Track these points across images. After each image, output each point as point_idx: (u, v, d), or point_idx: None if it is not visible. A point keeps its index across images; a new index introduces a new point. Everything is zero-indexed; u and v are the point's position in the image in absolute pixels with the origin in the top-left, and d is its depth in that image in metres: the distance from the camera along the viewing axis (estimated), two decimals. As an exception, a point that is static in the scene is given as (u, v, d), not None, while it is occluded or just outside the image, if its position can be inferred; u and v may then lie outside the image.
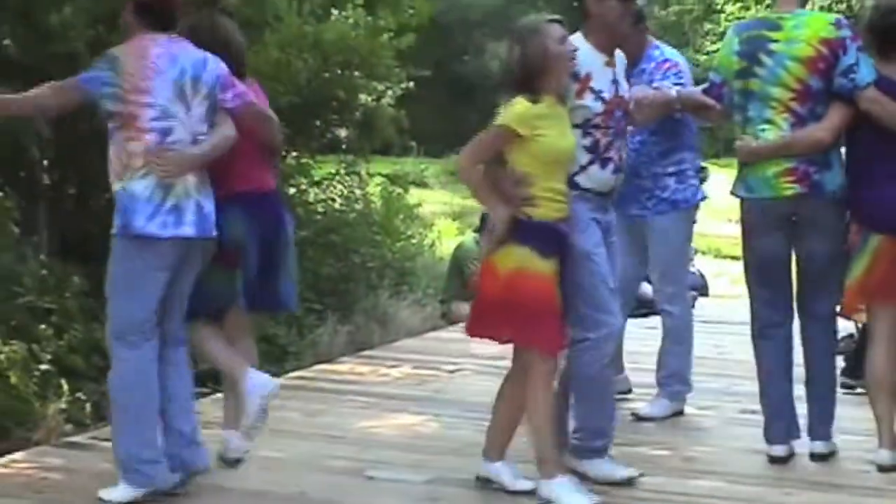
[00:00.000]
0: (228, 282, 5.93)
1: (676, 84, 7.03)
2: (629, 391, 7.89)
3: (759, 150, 6.28)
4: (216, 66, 5.72)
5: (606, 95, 5.85)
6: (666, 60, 7.27)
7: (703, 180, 7.43)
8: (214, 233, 5.67)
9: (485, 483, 5.84)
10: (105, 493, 5.53)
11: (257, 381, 5.76)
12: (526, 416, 5.66)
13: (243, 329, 6.19)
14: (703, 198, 7.54)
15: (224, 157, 5.73)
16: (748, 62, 6.31)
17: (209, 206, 5.65)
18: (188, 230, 5.54)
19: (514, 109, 5.48)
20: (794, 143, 6.22)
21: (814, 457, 6.46)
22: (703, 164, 7.53)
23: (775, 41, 6.23)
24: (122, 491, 5.50)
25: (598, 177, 5.79)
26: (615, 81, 5.92)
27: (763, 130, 6.28)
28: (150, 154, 5.46)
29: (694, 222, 7.84)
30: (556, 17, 5.66)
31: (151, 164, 5.45)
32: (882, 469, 6.24)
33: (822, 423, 6.50)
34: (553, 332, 5.53)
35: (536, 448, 5.65)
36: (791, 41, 6.22)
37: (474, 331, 5.72)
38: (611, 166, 5.88)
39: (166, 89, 5.52)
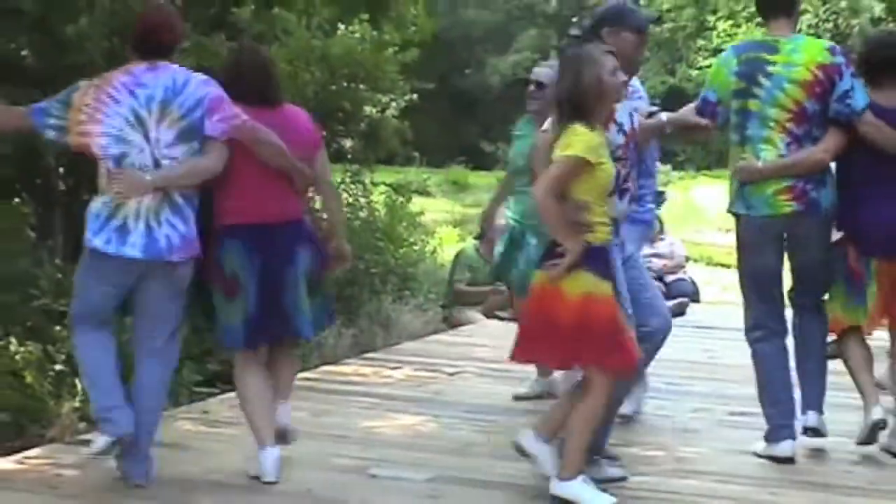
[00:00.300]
0: (235, 313, 5.90)
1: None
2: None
3: (763, 170, 6.31)
4: (199, 89, 5.71)
5: (626, 128, 5.82)
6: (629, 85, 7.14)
7: (659, 204, 7.38)
8: (172, 257, 5.66)
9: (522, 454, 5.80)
10: (87, 449, 5.86)
11: (264, 467, 5.82)
12: (578, 419, 5.56)
13: (283, 362, 6.19)
14: (660, 221, 7.54)
15: (224, 187, 5.79)
16: (747, 83, 6.35)
17: (169, 230, 5.64)
18: (130, 251, 5.59)
19: (583, 139, 5.38)
20: (796, 164, 6.29)
21: (806, 431, 6.51)
22: (661, 188, 7.47)
23: (773, 63, 6.29)
24: (100, 441, 5.67)
25: (616, 207, 5.72)
26: (630, 114, 5.90)
27: (762, 150, 6.32)
28: (110, 175, 5.60)
29: (649, 241, 7.85)
30: (610, 48, 5.65)
31: (110, 184, 5.60)
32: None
33: (814, 397, 6.58)
34: (629, 350, 5.52)
35: (570, 450, 5.59)
36: (789, 65, 6.28)
37: (531, 355, 5.75)
38: (627, 196, 5.85)
39: (119, 117, 5.61)
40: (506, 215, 7.95)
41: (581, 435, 5.58)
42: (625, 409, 7.19)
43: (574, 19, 48.68)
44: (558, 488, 5.60)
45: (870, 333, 6.81)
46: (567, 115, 5.46)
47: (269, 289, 5.83)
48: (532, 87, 7.62)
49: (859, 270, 6.47)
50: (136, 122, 5.60)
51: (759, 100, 6.32)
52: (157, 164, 5.61)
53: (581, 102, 5.42)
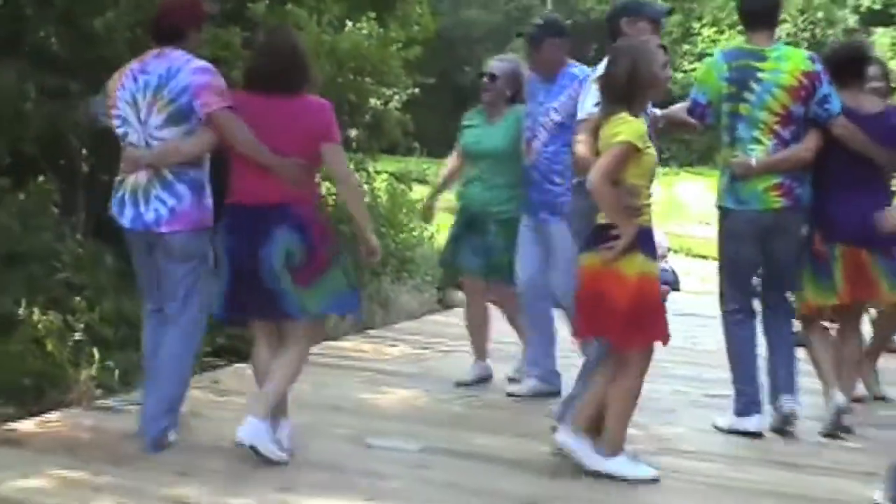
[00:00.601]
0: (217, 285, 5.91)
1: None
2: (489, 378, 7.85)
3: (756, 167, 6.41)
4: (189, 77, 5.77)
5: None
6: (586, 77, 7.01)
7: None
8: (161, 229, 5.80)
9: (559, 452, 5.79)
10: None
11: (246, 428, 5.69)
12: (616, 396, 5.61)
13: (290, 338, 5.91)
14: None
15: (232, 168, 5.85)
16: (738, 87, 6.46)
17: (158, 205, 5.80)
18: (124, 221, 5.88)
19: (632, 126, 5.42)
20: (785, 161, 6.42)
21: (779, 412, 6.59)
22: None
23: (762, 70, 6.41)
24: None
25: None
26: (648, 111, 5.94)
27: (751, 150, 6.43)
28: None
29: None
30: (663, 43, 5.67)
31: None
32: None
33: (787, 382, 6.63)
34: (666, 326, 5.61)
35: (612, 427, 5.62)
36: (776, 71, 6.41)
37: (595, 332, 5.70)
38: None
39: (123, 101, 5.86)
40: (461, 200, 7.77)
41: (623, 412, 5.63)
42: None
43: (568, 22, 48.53)
44: (601, 465, 5.63)
45: (833, 320, 6.91)
46: (616, 101, 5.48)
47: (243, 267, 5.74)
48: (486, 80, 7.52)
49: (824, 253, 6.60)
50: (133, 105, 5.84)
51: (749, 104, 6.43)
52: (147, 145, 5.81)
53: (632, 91, 5.47)
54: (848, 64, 6.76)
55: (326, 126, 5.86)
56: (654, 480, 5.62)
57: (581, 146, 5.77)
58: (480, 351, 7.80)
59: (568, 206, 6.50)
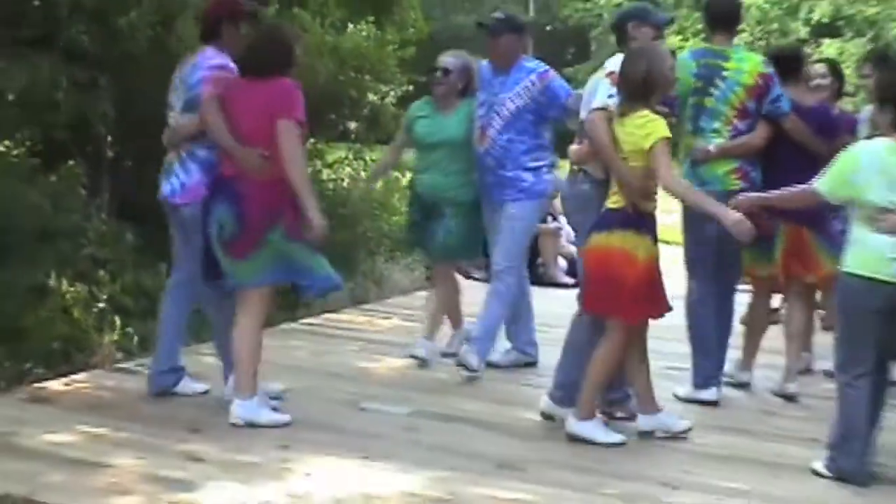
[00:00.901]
0: None
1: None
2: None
3: (714, 152, 6.51)
4: (203, 71, 5.88)
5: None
6: (546, 71, 7.00)
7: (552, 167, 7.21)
8: (175, 199, 5.96)
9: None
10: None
11: (236, 411, 5.68)
12: (596, 363, 5.62)
13: (240, 308, 5.75)
14: (556, 190, 7.28)
15: None
16: (704, 83, 6.56)
17: (174, 179, 5.98)
18: (159, 193, 6.08)
19: (660, 124, 5.49)
20: (738, 147, 6.55)
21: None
22: (558, 158, 7.34)
23: (727, 69, 6.52)
24: None
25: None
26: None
27: (712, 139, 6.54)
28: None
29: (548, 212, 7.61)
30: (672, 48, 5.71)
31: None
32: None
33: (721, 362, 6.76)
34: (667, 300, 5.69)
35: (587, 392, 5.64)
36: (738, 71, 6.54)
37: (603, 309, 5.66)
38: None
39: (171, 90, 6.09)
40: (417, 187, 7.46)
41: (598, 378, 5.65)
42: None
43: (548, 28, 48.51)
44: (575, 427, 5.65)
45: (769, 294, 7.21)
46: (633, 98, 5.52)
47: (205, 236, 5.72)
48: (439, 73, 7.26)
49: (770, 229, 6.62)
50: (174, 92, 6.06)
51: (713, 98, 6.54)
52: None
53: (648, 89, 5.51)
54: (788, 63, 6.92)
55: (283, 103, 5.62)
56: (622, 443, 5.65)
57: (599, 132, 5.75)
58: (457, 321, 7.69)
59: (570, 201, 6.39)
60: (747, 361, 7.11)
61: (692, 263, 6.69)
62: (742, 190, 6.37)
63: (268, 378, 6.15)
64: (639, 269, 5.47)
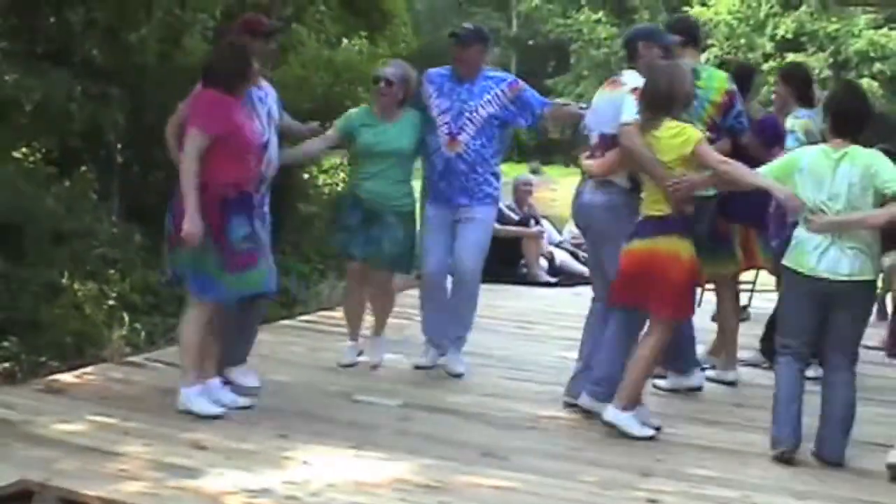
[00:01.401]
0: None
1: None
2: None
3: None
4: None
5: None
6: (516, 81, 7.01)
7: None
8: None
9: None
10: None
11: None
12: (640, 356, 5.65)
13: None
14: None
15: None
16: None
17: None
18: None
19: (691, 127, 5.66)
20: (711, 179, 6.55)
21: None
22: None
23: (698, 87, 6.38)
24: None
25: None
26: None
27: None
28: None
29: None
30: (691, 63, 5.95)
31: None
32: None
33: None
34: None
35: (630, 383, 5.63)
36: (707, 89, 6.52)
37: (631, 301, 5.70)
38: None
39: None
40: (360, 193, 6.94)
41: (643, 371, 5.68)
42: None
43: (530, 42, 48.51)
44: (612, 415, 5.64)
45: (736, 291, 7.27)
46: (658, 111, 5.59)
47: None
48: (383, 84, 6.94)
49: (727, 232, 6.84)
50: None
51: (687, 114, 6.40)
52: None
53: (671, 103, 5.59)
54: (743, 80, 7.03)
55: (190, 113, 5.63)
56: (651, 438, 5.65)
57: (589, 160, 5.97)
58: (356, 332, 7.37)
59: (598, 210, 6.15)
60: (731, 360, 7.06)
61: None
62: (708, 197, 6.36)
63: (267, 372, 6.17)
64: (685, 266, 5.56)
